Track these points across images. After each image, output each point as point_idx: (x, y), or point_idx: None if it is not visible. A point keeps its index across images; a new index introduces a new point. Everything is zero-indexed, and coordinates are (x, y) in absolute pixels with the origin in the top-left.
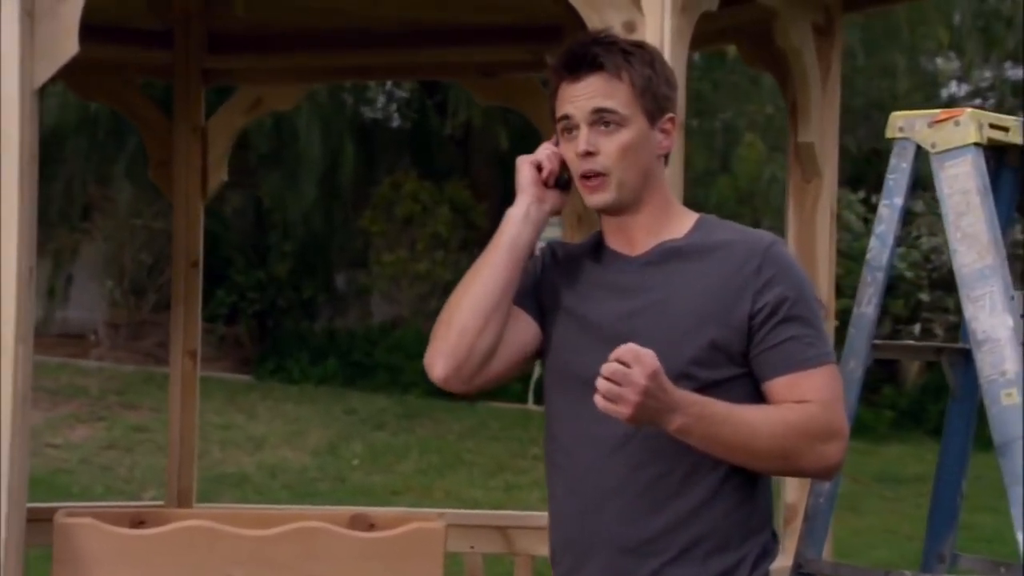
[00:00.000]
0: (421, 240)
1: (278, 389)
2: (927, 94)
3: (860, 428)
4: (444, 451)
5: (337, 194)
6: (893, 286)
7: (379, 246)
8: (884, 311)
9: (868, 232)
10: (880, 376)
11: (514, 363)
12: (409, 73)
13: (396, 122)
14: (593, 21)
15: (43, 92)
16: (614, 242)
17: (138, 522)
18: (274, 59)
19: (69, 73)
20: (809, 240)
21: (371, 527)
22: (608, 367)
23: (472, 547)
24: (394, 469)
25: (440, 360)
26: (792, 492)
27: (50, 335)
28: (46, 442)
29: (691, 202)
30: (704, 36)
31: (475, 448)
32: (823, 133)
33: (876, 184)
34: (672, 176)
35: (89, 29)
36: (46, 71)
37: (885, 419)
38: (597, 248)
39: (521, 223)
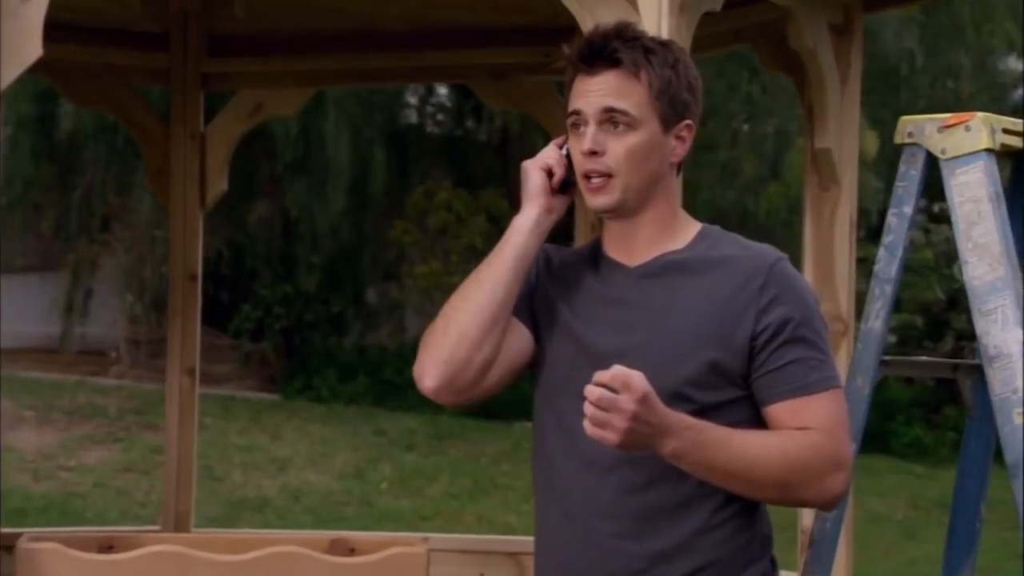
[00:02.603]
0: (455, 252)
1: (305, 409)
2: (994, 96)
3: (920, 451)
4: (477, 474)
5: (367, 203)
6: (956, 300)
7: (412, 258)
8: (946, 326)
9: (928, 243)
10: (941, 396)
11: (507, 376)
12: (416, 76)
13: (430, 127)
14: (586, 21)
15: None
16: (613, 250)
17: (107, 547)
18: (275, 62)
19: (63, 78)
20: (827, 251)
21: (352, 552)
22: (594, 392)
23: (482, 573)
24: (424, 493)
25: (433, 369)
26: (809, 516)
27: (69, 352)
28: (59, 464)
29: (741, 211)
30: (719, 37)
31: (510, 471)
32: (842, 138)
33: (938, 192)
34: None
35: (82, 31)
36: (9, 75)
37: (947, 441)
38: (594, 256)
39: (529, 233)
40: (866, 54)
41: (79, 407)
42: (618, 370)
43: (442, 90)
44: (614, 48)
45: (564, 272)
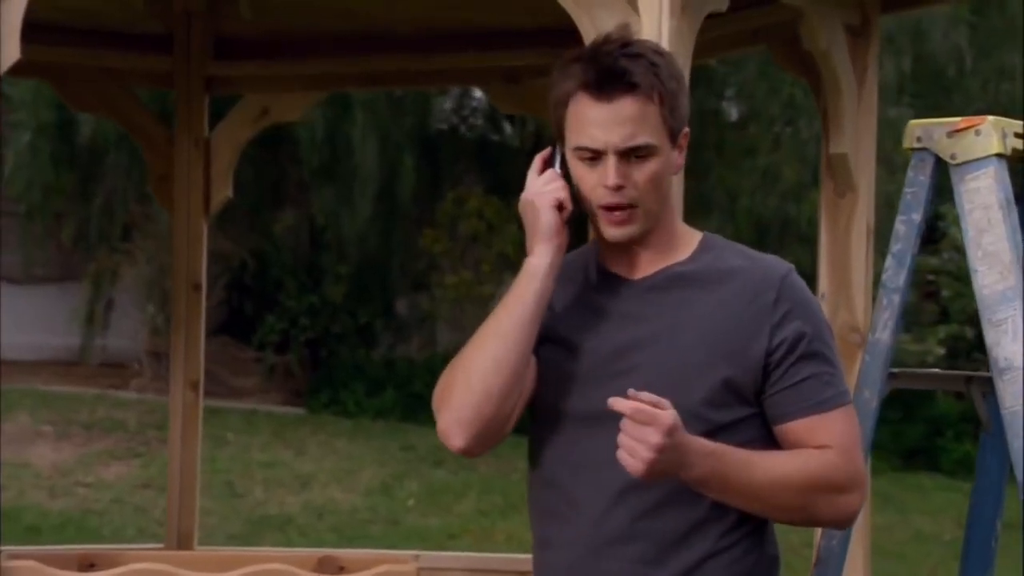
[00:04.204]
0: (487, 261)
1: (331, 423)
2: None
3: (971, 468)
4: (507, 491)
5: (396, 211)
6: None
7: (442, 267)
8: None
9: None
10: None
11: (524, 412)
12: (427, 80)
13: (462, 132)
14: (584, 23)
15: None
16: (612, 263)
17: (88, 565)
18: (283, 65)
19: (62, 82)
20: (843, 260)
21: (340, 570)
22: (623, 422)
23: None
24: (452, 510)
25: (460, 430)
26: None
27: (90, 365)
28: (76, 480)
29: (782, 218)
30: (734, 38)
31: None
32: (858, 143)
33: None
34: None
35: (81, 33)
36: None
37: None
38: (590, 269)
39: (545, 276)
40: (914, 56)
41: (98, 421)
42: (639, 407)
43: (477, 92)
44: (628, 70)
45: (560, 288)
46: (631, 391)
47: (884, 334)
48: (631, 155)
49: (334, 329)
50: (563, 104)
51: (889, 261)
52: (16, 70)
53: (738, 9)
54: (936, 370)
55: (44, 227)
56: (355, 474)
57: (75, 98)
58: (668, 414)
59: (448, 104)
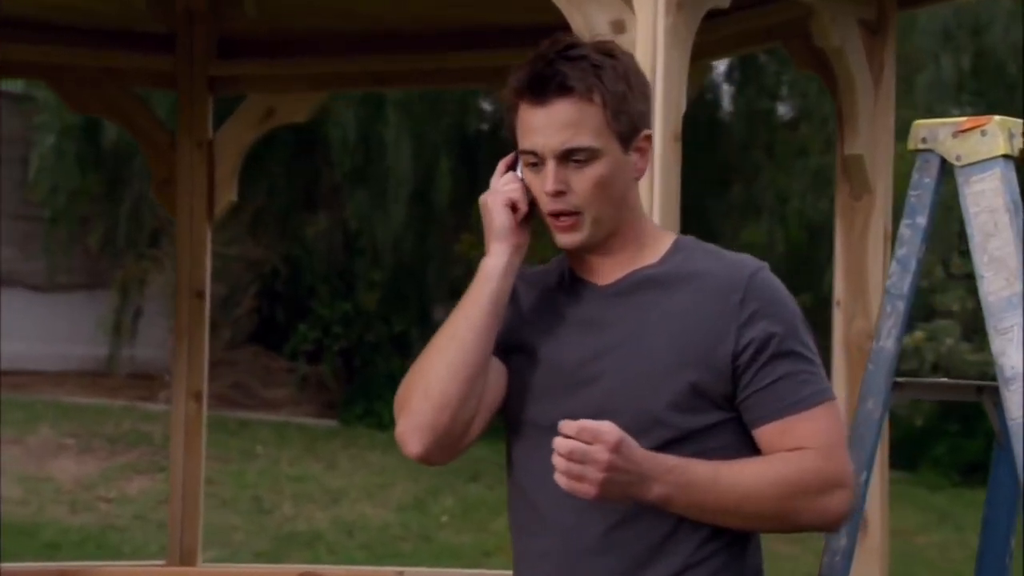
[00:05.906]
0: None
1: (364, 436)
2: None
3: None
4: None
5: (432, 215)
6: None
7: None
8: None
9: None
10: None
11: (490, 420)
12: (433, 80)
13: (501, 133)
14: (576, 20)
15: None
16: (581, 269)
17: None
18: (288, 65)
19: (61, 83)
20: (859, 265)
21: None
22: (564, 444)
23: None
24: (487, 527)
25: (418, 435)
26: None
27: (118, 375)
28: (98, 495)
29: (824, 222)
30: (747, 35)
31: None
32: (875, 144)
33: None
34: (667, 196)
35: (82, 34)
36: None
37: None
38: (561, 276)
39: (501, 277)
40: (974, 52)
41: (123, 434)
42: (584, 423)
43: None
44: (562, 74)
45: (531, 296)
46: (561, 423)
47: (888, 342)
48: (569, 159)
49: (368, 338)
50: (512, 109)
51: (894, 266)
52: (12, 70)
53: (748, 6)
54: (945, 379)
55: (69, 233)
56: (387, 489)
57: (75, 99)
58: (613, 431)
59: (487, 104)
